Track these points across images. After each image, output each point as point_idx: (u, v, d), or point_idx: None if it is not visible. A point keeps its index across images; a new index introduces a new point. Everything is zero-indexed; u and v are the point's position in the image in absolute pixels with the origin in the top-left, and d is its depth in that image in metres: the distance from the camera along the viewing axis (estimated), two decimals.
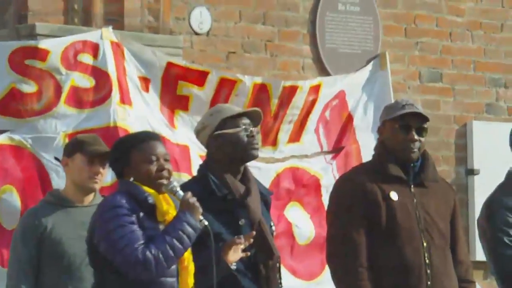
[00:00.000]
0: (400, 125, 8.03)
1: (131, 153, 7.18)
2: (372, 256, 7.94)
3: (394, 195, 8.05)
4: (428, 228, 8.05)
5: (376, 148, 8.35)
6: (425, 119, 8.05)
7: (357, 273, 7.85)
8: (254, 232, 7.47)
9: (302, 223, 9.89)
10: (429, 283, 7.98)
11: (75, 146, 8.08)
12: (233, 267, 7.41)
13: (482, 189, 9.53)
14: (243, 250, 7.36)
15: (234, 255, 7.41)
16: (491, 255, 8.58)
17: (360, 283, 7.80)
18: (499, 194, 8.62)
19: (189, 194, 7.05)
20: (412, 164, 8.11)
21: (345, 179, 8.39)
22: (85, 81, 8.93)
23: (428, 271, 8.07)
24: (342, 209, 8.09)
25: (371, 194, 7.97)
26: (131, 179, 7.07)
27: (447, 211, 8.24)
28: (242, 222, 7.74)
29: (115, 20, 9.23)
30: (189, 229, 7.17)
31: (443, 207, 8.23)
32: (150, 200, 7.09)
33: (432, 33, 10.78)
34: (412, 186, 8.07)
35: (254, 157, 7.85)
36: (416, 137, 7.97)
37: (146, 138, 7.30)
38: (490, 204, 8.61)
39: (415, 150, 8.04)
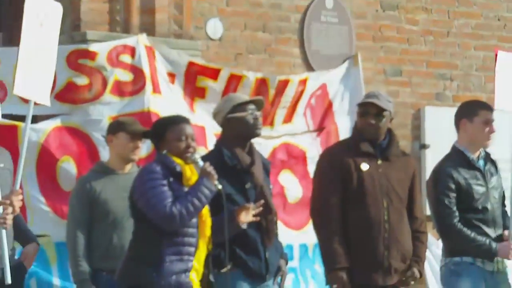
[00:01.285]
0: (360, 111, 8.27)
1: (167, 132, 7.31)
2: (344, 212, 8.15)
3: (364, 166, 8.15)
4: (389, 193, 8.16)
5: (352, 129, 8.53)
6: (383, 108, 8.13)
7: (331, 225, 8.07)
8: (263, 201, 7.69)
9: (292, 186, 9.87)
10: (386, 235, 8.17)
11: (119, 126, 8.17)
12: (244, 226, 7.69)
13: (432, 160, 9.51)
14: (254, 216, 7.53)
15: (246, 217, 7.58)
16: (434, 212, 8.68)
17: (332, 233, 8.01)
18: (444, 164, 8.73)
19: (207, 164, 7.20)
20: (379, 142, 8.18)
21: (327, 153, 8.56)
22: (125, 76, 8.95)
23: (386, 226, 8.22)
24: (324, 176, 8.29)
25: (346, 165, 8.21)
26: (165, 151, 7.25)
27: (406, 179, 8.32)
28: (248, 185, 7.81)
29: (148, 28, 9.21)
30: (206, 191, 7.27)
31: (403, 176, 8.31)
32: (178, 168, 7.25)
33: (394, 39, 10.66)
34: (379, 159, 8.21)
35: (258, 135, 7.98)
36: (372, 121, 8.12)
37: (178, 121, 7.45)
38: (437, 172, 8.72)
39: (372, 131, 8.15)
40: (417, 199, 8.47)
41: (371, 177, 8.25)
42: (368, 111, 8.24)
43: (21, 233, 7.36)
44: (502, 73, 9.20)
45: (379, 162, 8.26)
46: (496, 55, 9.17)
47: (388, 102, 8.30)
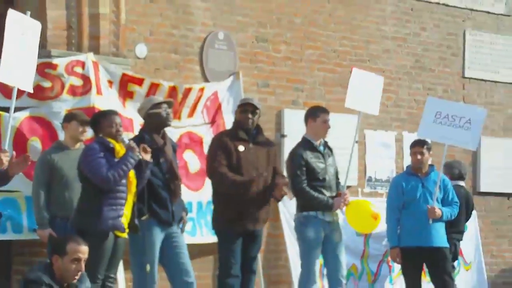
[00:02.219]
0: (241, 109, 8.50)
1: (102, 121, 7.55)
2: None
3: (240, 148, 8.36)
4: (259, 167, 8.34)
5: (233, 123, 8.67)
6: (256, 107, 8.41)
7: (223, 179, 8.29)
8: (148, 148, 7.71)
9: (193, 161, 9.77)
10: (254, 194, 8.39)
11: (72, 116, 8.29)
12: (148, 159, 7.68)
13: (289, 145, 9.59)
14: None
15: (147, 156, 7.64)
16: (290, 180, 8.80)
17: (227, 179, 8.25)
18: (297, 148, 8.93)
19: (131, 142, 7.58)
20: (251, 132, 8.34)
21: (216, 138, 8.67)
22: (78, 82, 8.85)
23: (255, 187, 8.43)
24: (214, 154, 8.44)
25: (228, 146, 8.40)
26: (101, 135, 7.55)
27: (269, 157, 8.54)
28: (161, 160, 7.90)
29: (94, 49, 9.07)
30: (131, 160, 7.51)
31: (266, 155, 8.53)
32: (111, 145, 7.52)
33: (264, 62, 10.51)
34: (250, 143, 8.41)
35: (169, 125, 8.20)
36: (249, 116, 8.39)
37: (110, 113, 7.74)
38: (292, 153, 8.97)
39: (248, 123, 8.39)
40: (279, 170, 8.71)
41: (245, 155, 8.37)
42: (247, 109, 8.41)
43: None
44: (354, 83, 9.24)
45: (251, 145, 8.41)
46: (351, 71, 9.36)
47: (259, 105, 8.51)
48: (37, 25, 7.24)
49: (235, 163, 8.33)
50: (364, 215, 9.06)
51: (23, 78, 7.11)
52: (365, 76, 9.47)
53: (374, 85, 9.46)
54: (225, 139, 8.45)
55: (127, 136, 8.16)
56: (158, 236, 7.97)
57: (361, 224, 9.24)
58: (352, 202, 9.21)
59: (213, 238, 9.04)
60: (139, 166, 7.66)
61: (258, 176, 8.37)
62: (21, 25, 7.00)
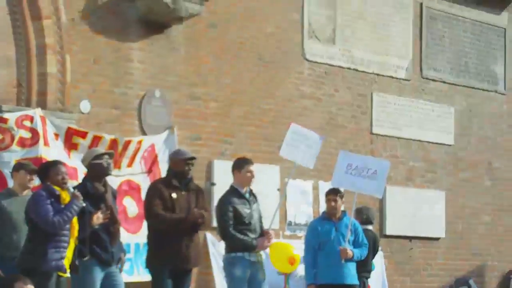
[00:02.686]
0: (178, 160, 8.38)
1: (49, 170, 7.40)
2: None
3: (174, 195, 8.27)
4: (189, 209, 8.25)
5: (167, 171, 8.56)
6: (193, 158, 8.42)
7: (159, 218, 8.14)
8: (109, 212, 7.73)
9: (131, 207, 9.70)
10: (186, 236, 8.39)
11: (20, 166, 8.14)
12: (96, 226, 7.55)
13: (218, 193, 9.50)
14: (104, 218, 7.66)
15: (97, 221, 7.55)
16: (219, 225, 8.79)
17: (163, 217, 8.12)
18: (225, 195, 8.84)
19: (76, 191, 7.41)
20: (184, 180, 8.27)
21: (152, 186, 8.56)
22: (26, 134, 8.75)
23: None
24: (151, 199, 8.31)
25: (163, 193, 8.30)
26: (48, 183, 7.34)
27: (199, 202, 8.42)
28: (102, 205, 7.82)
29: (42, 105, 9.01)
30: (75, 207, 7.39)
31: (196, 200, 8.42)
32: (57, 193, 7.33)
33: (195, 117, 10.53)
34: (183, 190, 8.32)
35: (109, 174, 8.06)
36: (186, 166, 8.34)
37: (56, 163, 7.58)
38: (221, 200, 8.90)
39: (185, 172, 8.33)
40: (207, 208, 8.61)
41: (178, 201, 8.31)
42: (189, 162, 8.41)
43: None
44: (289, 136, 9.22)
45: (183, 192, 8.28)
46: (289, 126, 9.30)
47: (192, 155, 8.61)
48: None
49: (170, 207, 8.26)
50: (284, 258, 9.05)
51: None
52: (304, 132, 9.50)
53: (311, 141, 9.45)
54: (160, 186, 8.39)
55: (71, 183, 8.10)
56: (98, 275, 7.85)
57: (281, 265, 9.22)
58: (274, 244, 9.17)
59: (149, 277, 8.76)
60: (82, 213, 7.62)
61: (189, 217, 8.34)
62: None
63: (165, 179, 8.54)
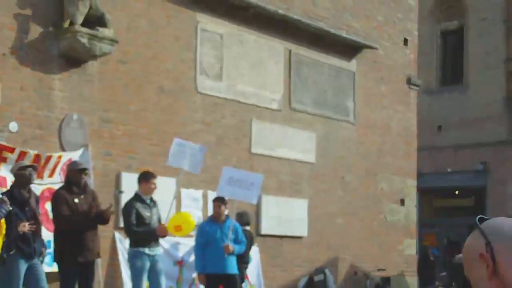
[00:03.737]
0: (77, 171, 8.32)
1: None
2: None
3: (76, 200, 8.21)
4: (89, 210, 8.23)
5: (66, 179, 8.56)
6: (85, 169, 8.43)
7: (63, 224, 8.09)
8: (33, 222, 7.64)
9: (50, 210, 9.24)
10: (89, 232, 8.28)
11: None
12: (21, 233, 7.62)
13: (124, 199, 9.35)
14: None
15: (23, 228, 7.58)
16: (124, 224, 8.85)
17: (69, 218, 8.05)
18: (130, 200, 8.98)
19: (4, 196, 7.40)
20: (81, 186, 8.27)
21: (56, 193, 8.38)
22: None
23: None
24: (57, 204, 8.20)
25: (66, 199, 8.19)
26: None
27: (95, 200, 8.40)
28: (27, 208, 7.76)
29: None
30: (3, 210, 7.30)
31: (92, 200, 8.38)
32: None
33: (106, 137, 10.29)
34: (82, 195, 8.25)
35: (32, 183, 8.08)
36: (80, 176, 8.30)
37: None
38: (126, 204, 9.04)
39: (80, 180, 8.27)
40: (99, 207, 8.40)
41: (81, 205, 8.24)
42: (80, 169, 8.37)
43: None
44: (175, 149, 9.27)
45: (82, 196, 8.25)
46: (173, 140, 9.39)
47: (86, 167, 8.67)
48: None
49: (74, 209, 8.19)
50: (175, 222, 9.06)
51: None
52: (186, 144, 9.51)
53: (194, 150, 9.43)
54: (63, 193, 8.30)
55: (1, 190, 7.96)
56: (23, 266, 7.79)
57: (171, 225, 9.09)
58: (180, 212, 9.52)
59: None
60: (9, 215, 7.51)
61: (89, 215, 8.28)
62: None
63: (66, 187, 8.40)
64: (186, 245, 10.74)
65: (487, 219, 1.72)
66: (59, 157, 9.55)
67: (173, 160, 9.37)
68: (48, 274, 8.33)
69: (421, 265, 14.93)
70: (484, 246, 1.65)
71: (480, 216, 1.74)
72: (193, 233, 10.86)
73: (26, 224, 7.63)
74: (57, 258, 8.36)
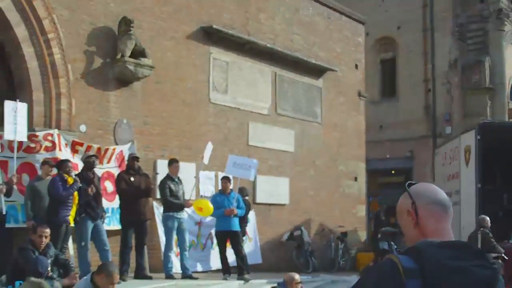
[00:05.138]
0: (133, 158, 8.26)
1: (62, 165, 7.32)
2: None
3: (131, 178, 8.20)
4: (141, 186, 8.17)
5: (126, 165, 8.38)
6: (137, 157, 8.24)
7: (125, 190, 8.01)
8: (95, 188, 7.55)
9: (109, 186, 9.20)
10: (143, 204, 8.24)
11: (45, 162, 7.90)
12: (89, 195, 7.48)
13: (159, 178, 9.20)
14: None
15: (90, 191, 7.49)
16: (161, 194, 8.69)
17: (126, 189, 7.91)
18: (164, 178, 8.83)
19: (76, 177, 7.41)
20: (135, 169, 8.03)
21: (119, 175, 8.41)
22: (49, 144, 8.31)
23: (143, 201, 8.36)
24: (119, 182, 8.16)
25: (125, 177, 8.17)
26: (61, 172, 7.25)
27: (147, 181, 8.28)
28: (92, 186, 7.82)
29: (58, 127, 8.70)
30: (75, 187, 7.50)
31: (145, 180, 8.24)
32: (65, 178, 7.42)
33: (146, 135, 10.16)
34: (136, 175, 8.12)
35: (95, 167, 8.11)
36: (136, 162, 8.15)
37: (66, 161, 7.53)
38: (161, 181, 8.88)
39: (136, 166, 8.05)
40: (151, 185, 8.41)
41: (135, 182, 8.19)
42: (135, 159, 8.22)
43: None
44: (207, 151, 9.00)
45: (137, 176, 8.20)
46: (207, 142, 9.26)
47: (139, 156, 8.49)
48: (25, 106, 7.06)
49: (130, 185, 8.24)
50: (199, 205, 9.01)
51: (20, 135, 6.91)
52: (210, 146, 9.34)
53: (209, 150, 9.29)
54: (123, 174, 8.41)
55: (75, 172, 7.97)
56: (90, 225, 7.90)
57: (195, 207, 9.08)
58: (200, 199, 9.19)
59: (119, 226, 8.75)
60: (79, 189, 7.63)
61: (140, 189, 8.27)
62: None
63: (126, 170, 8.50)
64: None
65: (415, 183, 1.72)
66: (114, 149, 9.53)
67: (204, 159, 9.21)
68: (107, 231, 8.44)
69: (375, 223, 14.87)
70: (410, 205, 1.65)
71: (409, 182, 1.74)
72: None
73: (90, 189, 7.68)
74: (120, 219, 8.44)
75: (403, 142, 19.07)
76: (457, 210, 10.45)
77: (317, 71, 13.89)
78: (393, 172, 19.51)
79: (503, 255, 8.18)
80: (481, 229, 8.44)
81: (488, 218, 8.65)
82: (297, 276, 5.47)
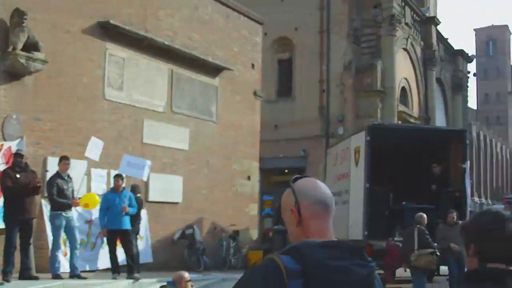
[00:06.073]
0: (17, 155, 7.90)
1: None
2: None
3: (17, 175, 7.78)
4: (28, 182, 7.82)
5: (12, 162, 8.07)
6: (22, 155, 7.87)
7: (11, 188, 7.61)
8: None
9: None
10: None
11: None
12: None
13: (49, 175, 9.11)
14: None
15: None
16: (48, 196, 8.70)
17: (11, 188, 7.50)
18: (52, 176, 8.94)
19: None
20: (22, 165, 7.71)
21: (4, 171, 7.93)
22: None
23: None
24: (4, 179, 7.80)
25: (10, 174, 7.75)
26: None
27: (34, 177, 7.95)
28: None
29: None
30: None
31: (32, 176, 7.92)
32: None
33: (36, 132, 10.08)
34: (23, 172, 7.73)
35: None
36: (21, 159, 7.85)
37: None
38: (49, 179, 8.68)
39: (22, 163, 7.74)
40: (38, 181, 7.89)
41: (20, 179, 7.75)
42: (20, 156, 7.97)
43: None
44: (90, 145, 8.91)
45: (23, 173, 7.72)
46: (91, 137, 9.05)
47: (24, 153, 8.21)
48: None
49: (16, 182, 8.06)
50: (85, 200, 9.10)
51: None
52: (95, 141, 9.47)
53: (96, 145, 9.40)
54: (8, 170, 8.20)
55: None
56: None
57: (83, 201, 9.14)
58: (89, 193, 9.25)
59: (2, 225, 8.50)
60: None
61: (27, 186, 8.12)
62: None
63: (12, 166, 8.32)
64: (94, 209, 10.54)
65: (301, 177, 1.69)
66: (2, 145, 9.33)
67: (87, 153, 9.25)
68: None
69: (275, 220, 15.28)
70: (294, 203, 1.63)
71: (296, 176, 1.69)
72: (100, 199, 10.89)
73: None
74: (4, 217, 8.30)
75: (298, 142, 19.61)
76: (346, 209, 10.76)
77: (214, 70, 14.12)
78: (286, 171, 19.93)
79: (436, 250, 8.32)
80: (418, 226, 8.45)
81: (425, 216, 8.52)
82: (186, 275, 5.55)
